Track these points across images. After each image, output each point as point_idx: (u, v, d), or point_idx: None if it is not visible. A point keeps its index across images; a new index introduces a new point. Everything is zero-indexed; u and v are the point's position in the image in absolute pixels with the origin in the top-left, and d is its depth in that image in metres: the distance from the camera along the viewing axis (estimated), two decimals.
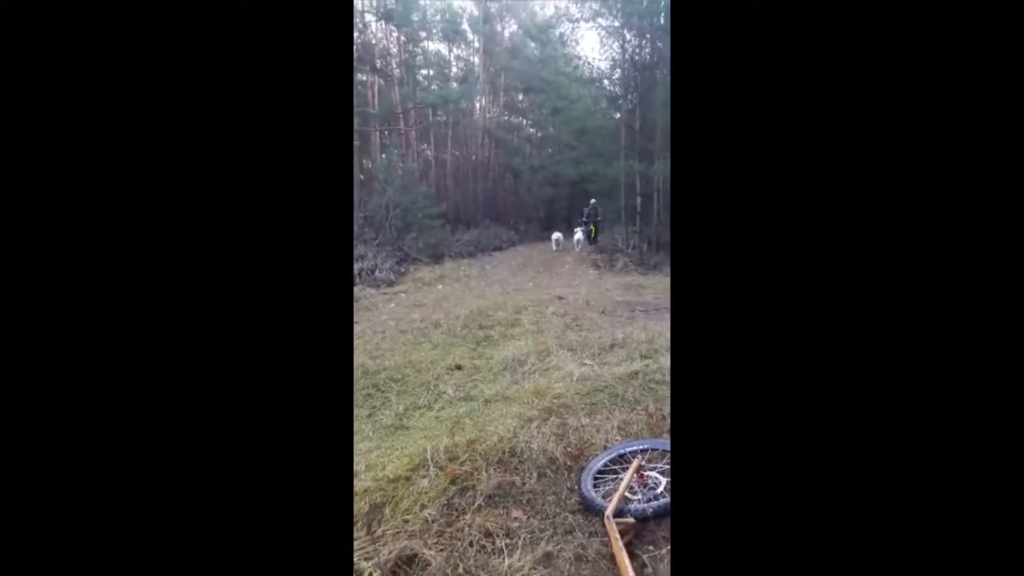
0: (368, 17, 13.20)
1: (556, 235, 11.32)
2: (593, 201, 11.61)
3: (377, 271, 7.11)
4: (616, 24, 9.57)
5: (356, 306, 5.08)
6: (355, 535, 1.55)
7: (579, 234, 10.89)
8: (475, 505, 1.68)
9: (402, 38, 14.57)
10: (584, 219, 11.64)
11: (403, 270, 7.83)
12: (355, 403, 2.62)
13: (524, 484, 1.81)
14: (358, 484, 1.82)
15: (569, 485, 1.80)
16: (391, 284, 6.65)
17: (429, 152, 15.88)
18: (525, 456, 1.95)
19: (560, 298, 5.09)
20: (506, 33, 16.87)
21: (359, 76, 12.89)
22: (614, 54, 9.98)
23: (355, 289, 6.08)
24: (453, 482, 1.81)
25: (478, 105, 16.46)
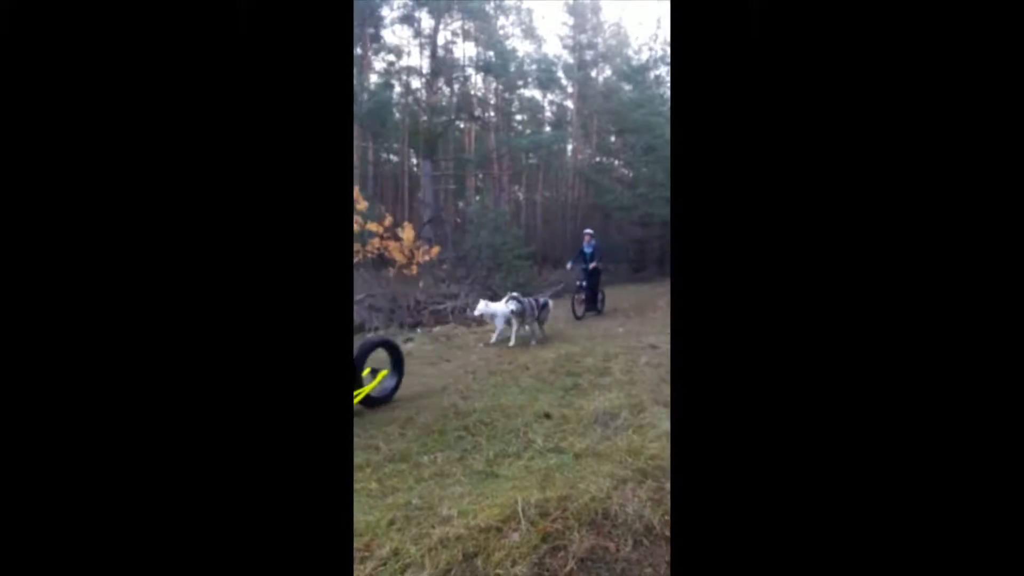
0: (469, 70, 14.26)
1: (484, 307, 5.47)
2: (589, 231, 7.74)
3: (468, 309, 7.37)
4: None
5: (448, 344, 5.29)
6: None
7: (503, 308, 5.35)
8: (567, 568, 1.64)
9: (499, 87, 15.51)
10: (576, 262, 7.54)
11: None
12: (447, 444, 2.70)
13: (619, 551, 1.73)
14: (451, 530, 1.84)
15: (667, 558, 1.69)
16: (481, 323, 6.84)
17: (520, 194, 16.46)
18: (619, 520, 1.87)
19: (653, 347, 4.91)
20: (600, 78, 17.29)
21: (459, 124, 13.86)
22: None
23: (448, 327, 6.34)
24: (544, 539, 1.77)
25: (570, 147, 16.84)
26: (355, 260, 7.38)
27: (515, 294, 5.58)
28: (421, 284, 7.71)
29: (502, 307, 5.41)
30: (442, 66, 13.09)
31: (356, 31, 11.15)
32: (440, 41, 13.35)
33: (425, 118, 12.58)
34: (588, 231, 7.84)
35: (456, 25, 13.77)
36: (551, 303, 5.94)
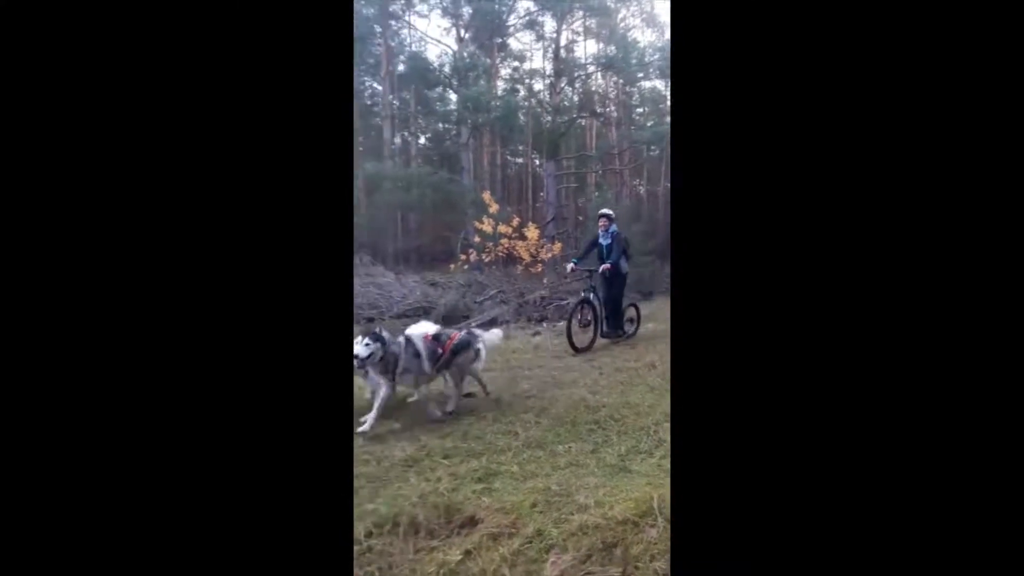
0: (590, 67, 14.17)
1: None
2: (605, 213, 5.03)
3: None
4: None
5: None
6: (593, 569, 1.65)
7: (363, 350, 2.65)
8: None
9: (620, 81, 15.16)
10: (585, 261, 5.03)
11: None
12: (579, 436, 2.78)
13: None
14: (589, 519, 1.92)
15: None
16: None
17: (642, 188, 15.95)
18: None
19: None
20: None
21: (580, 122, 13.89)
22: None
23: None
24: None
25: None
26: (487, 259, 7.86)
27: (378, 331, 2.81)
28: (545, 280, 7.93)
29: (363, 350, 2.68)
30: (564, 66, 13.23)
31: (485, 43, 11.77)
32: (562, 41, 13.50)
33: (548, 119, 12.83)
34: (605, 213, 5.04)
35: (577, 24, 13.80)
36: (484, 340, 3.22)
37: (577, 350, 4.55)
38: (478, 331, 3.32)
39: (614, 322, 4.97)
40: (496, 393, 3.48)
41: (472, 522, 1.82)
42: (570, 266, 5.12)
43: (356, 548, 1.67)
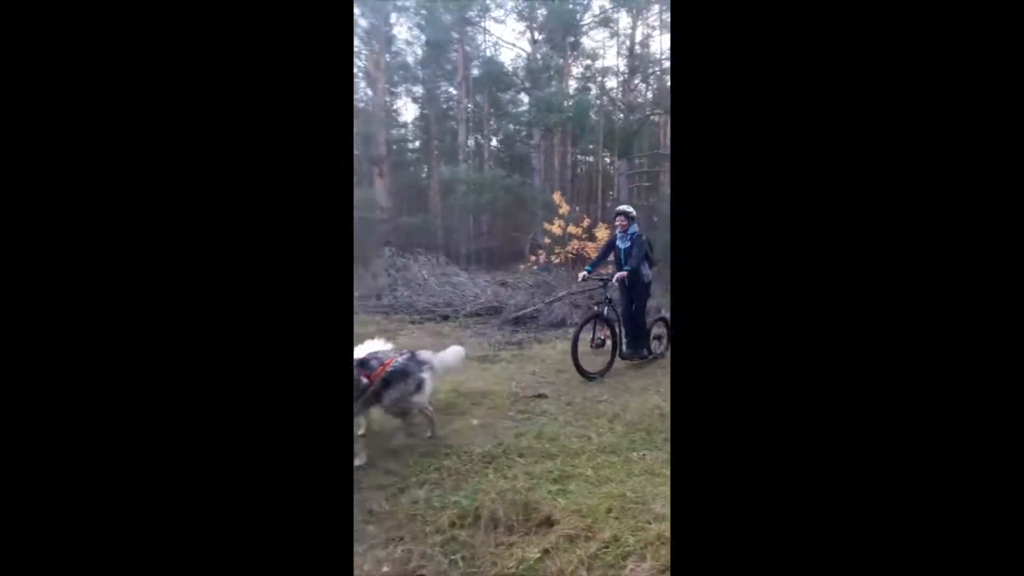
0: (666, 62, 13.69)
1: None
2: (624, 211, 4.15)
3: (662, 310, 7.18)
4: None
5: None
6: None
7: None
8: None
9: None
10: (600, 267, 4.38)
11: None
12: (654, 444, 2.73)
13: None
14: (666, 529, 1.90)
15: None
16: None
17: None
18: None
19: None
20: None
21: (654, 119, 13.49)
22: None
23: None
24: None
25: None
26: (556, 261, 7.87)
27: None
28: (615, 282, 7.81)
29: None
30: (638, 62, 12.92)
31: (559, 43, 11.78)
32: (637, 37, 13.19)
33: (621, 117, 12.60)
34: (623, 210, 4.15)
35: (653, 18, 13.42)
36: (435, 364, 2.61)
37: (588, 376, 3.75)
38: (426, 355, 2.61)
39: (636, 341, 4.12)
40: (568, 396, 3.51)
41: (548, 522, 1.86)
42: (582, 275, 4.23)
43: (440, 537, 1.78)
